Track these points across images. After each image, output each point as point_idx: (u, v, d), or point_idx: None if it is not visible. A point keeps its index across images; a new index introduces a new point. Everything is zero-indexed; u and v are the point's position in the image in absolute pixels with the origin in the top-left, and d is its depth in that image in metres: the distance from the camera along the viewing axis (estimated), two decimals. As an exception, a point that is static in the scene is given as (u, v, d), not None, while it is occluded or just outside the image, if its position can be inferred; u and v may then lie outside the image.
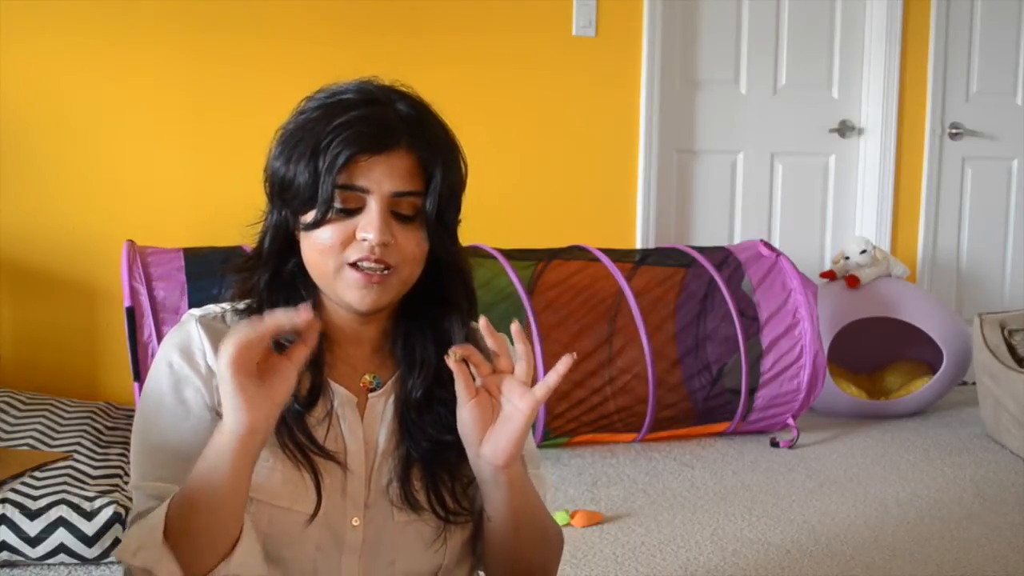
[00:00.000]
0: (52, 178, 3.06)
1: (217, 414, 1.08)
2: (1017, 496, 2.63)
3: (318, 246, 1.10)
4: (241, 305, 1.17)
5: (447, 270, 1.17)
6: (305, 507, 1.11)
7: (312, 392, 1.13)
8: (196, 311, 1.18)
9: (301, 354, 1.01)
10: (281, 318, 0.98)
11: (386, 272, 1.10)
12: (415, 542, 1.15)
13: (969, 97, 4.08)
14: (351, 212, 1.09)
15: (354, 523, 1.13)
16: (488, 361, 1.11)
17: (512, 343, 1.13)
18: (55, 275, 3.07)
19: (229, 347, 0.97)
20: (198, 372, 1.12)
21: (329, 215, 1.08)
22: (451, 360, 1.08)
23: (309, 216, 1.10)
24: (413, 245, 1.11)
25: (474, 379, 1.11)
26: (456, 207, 1.15)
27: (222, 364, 0.97)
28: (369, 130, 1.08)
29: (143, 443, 1.13)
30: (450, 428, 1.14)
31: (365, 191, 1.09)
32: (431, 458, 1.15)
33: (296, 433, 1.10)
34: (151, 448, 1.12)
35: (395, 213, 1.10)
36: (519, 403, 1.09)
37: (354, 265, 1.09)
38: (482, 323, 1.10)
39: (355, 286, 1.10)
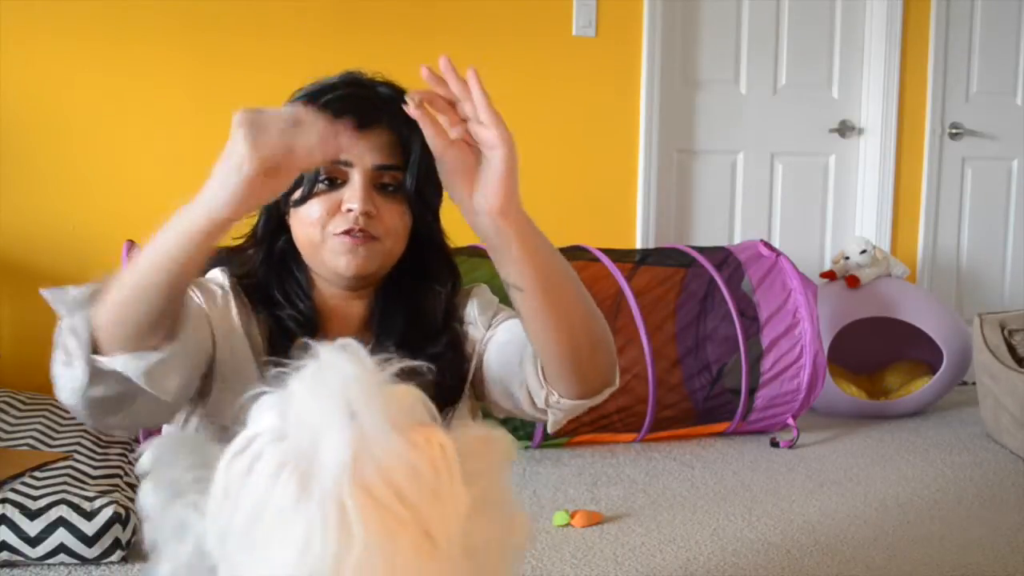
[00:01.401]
0: (52, 178, 3.06)
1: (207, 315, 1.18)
2: (1017, 496, 2.63)
3: (306, 220, 1.18)
4: (242, 274, 1.26)
5: (429, 247, 1.25)
6: None
7: None
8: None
9: (310, 161, 0.97)
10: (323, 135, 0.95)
11: (371, 240, 1.17)
12: None
13: (969, 97, 4.08)
14: (335, 185, 1.17)
15: None
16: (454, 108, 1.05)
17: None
18: (55, 275, 3.07)
19: (265, 132, 0.92)
20: (210, 294, 1.20)
21: (315, 189, 1.17)
22: (411, 107, 1.02)
23: (297, 193, 1.18)
24: (396, 217, 1.19)
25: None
26: (436, 185, 1.21)
27: (248, 144, 0.92)
28: (351, 107, 1.16)
29: None
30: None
31: (348, 164, 1.17)
32: None
33: None
34: None
35: (377, 186, 1.18)
36: (489, 141, 1.02)
37: (338, 235, 1.17)
38: (442, 63, 1.03)
39: (341, 251, 1.17)
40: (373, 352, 1.21)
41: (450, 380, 1.24)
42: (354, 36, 3.25)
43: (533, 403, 1.19)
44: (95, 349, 0.98)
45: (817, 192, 3.99)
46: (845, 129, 3.97)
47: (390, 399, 0.75)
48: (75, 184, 3.07)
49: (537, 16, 3.46)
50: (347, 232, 1.16)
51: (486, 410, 1.32)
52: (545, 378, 1.15)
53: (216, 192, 0.93)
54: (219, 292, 1.22)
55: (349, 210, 1.16)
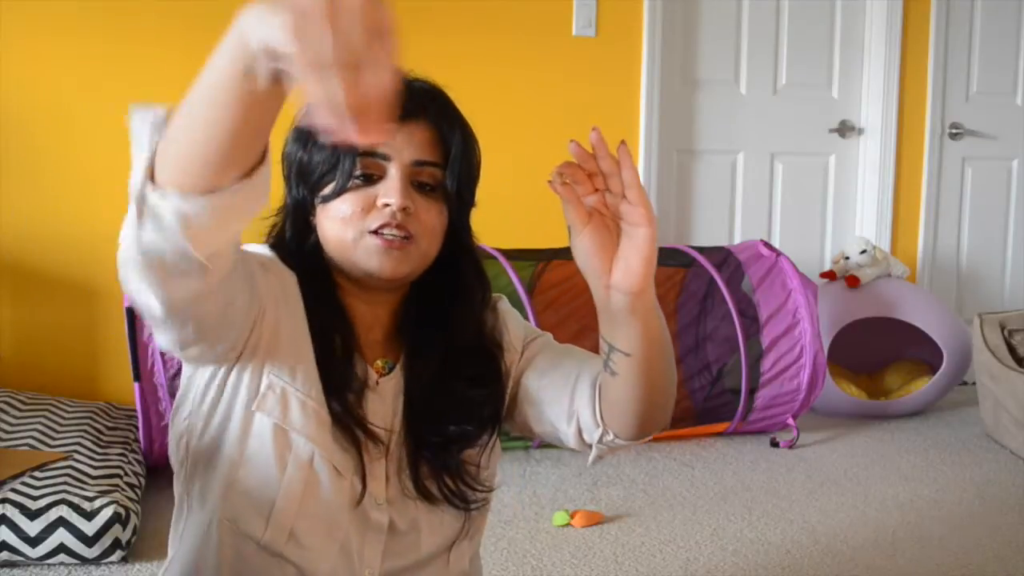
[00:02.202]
0: (53, 178, 3.06)
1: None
2: (1017, 496, 2.63)
3: (339, 216, 1.10)
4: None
5: (462, 252, 1.20)
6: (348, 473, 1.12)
7: (363, 373, 1.15)
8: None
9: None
10: None
11: (406, 240, 1.10)
12: (438, 525, 1.18)
13: (969, 97, 4.08)
14: (371, 180, 1.10)
15: (378, 501, 1.14)
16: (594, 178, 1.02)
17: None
18: (55, 275, 3.07)
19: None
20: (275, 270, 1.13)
21: (350, 184, 1.09)
22: (555, 184, 1.00)
23: (328, 188, 1.11)
24: (433, 216, 1.13)
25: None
26: (473, 186, 1.18)
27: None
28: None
29: None
30: (456, 418, 1.15)
31: (386, 158, 1.10)
32: (437, 449, 1.15)
33: (350, 411, 1.12)
34: None
35: (415, 183, 1.12)
36: (635, 219, 0.99)
37: (375, 233, 1.10)
38: (594, 137, 0.99)
39: (376, 252, 1.09)
40: (408, 367, 1.16)
41: (490, 408, 1.19)
42: (354, 36, 3.25)
43: (582, 438, 1.18)
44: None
45: (817, 192, 3.99)
46: (845, 129, 3.97)
47: None
48: (76, 184, 3.07)
49: (537, 16, 3.46)
50: (383, 227, 1.09)
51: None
52: (603, 418, 1.15)
53: (255, 22, 0.76)
54: (287, 274, 1.14)
55: (386, 205, 1.09)
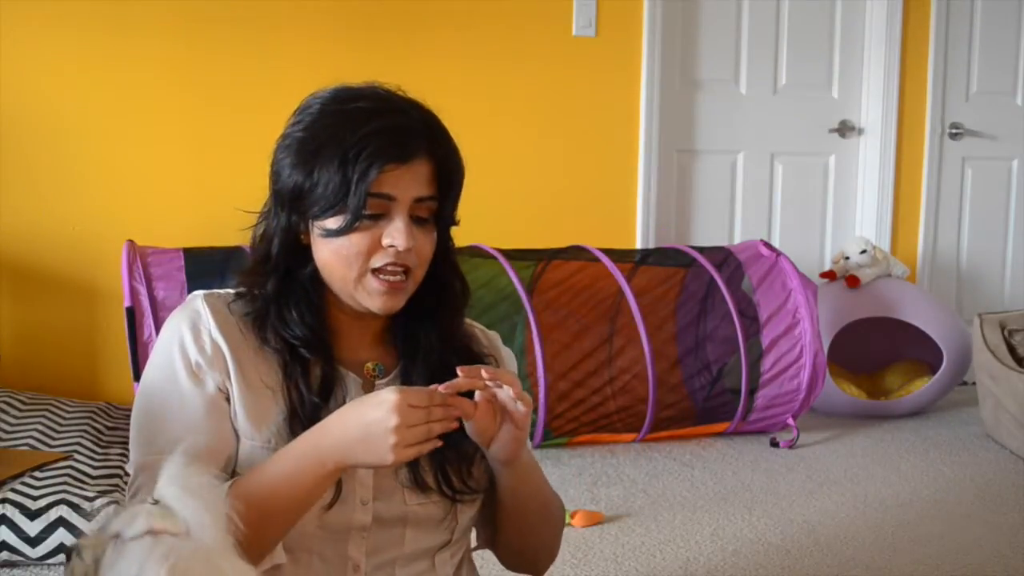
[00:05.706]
0: (52, 178, 3.06)
1: (220, 391, 1.14)
2: (1017, 496, 2.63)
3: (343, 252, 1.14)
4: (248, 309, 1.19)
5: (444, 262, 1.23)
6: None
7: (325, 383, 1.17)
8: (200, 291, 1.22)
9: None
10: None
11: (405, 276, 1.16)
12: (425, 521, 1.19)
13: (969, 97, 4.08)
14: (376, 218, 1.13)
15: (363, 503, 1.16)
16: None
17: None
18: (55, 275, 3.07)
19: (414, 433, 1.06)
20: (203, 351, 1.15)
21: (357, 223, 1.12)
22: (442, 391, 1.13)
23: (331, 222, 1.13)
24: (428, 246, 1.18)
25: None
26: (457, 207, 1.22)
27: (394, 450, 1.05)
28: (396, 139, 1.12)
29: (151, 422, 1.15)
30: None
31: (391, 198, 1.13)
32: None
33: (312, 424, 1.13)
34: (160, 428, 1.14)
35: (414, 217, 1.15)
36: (517, 420, 1.16)
37: (376, 272, 1.14)
38: (485, 373, 1.14)
39: (377, 293, 1.15)
40: (406, 370, 1.21)
41: None
42: (354, 34, 3.25)
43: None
44: None
45: (817, 192, 3.99)
46: (845, 129, 3.97)
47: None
48: (75, 184, 3.07)
49: (537, 16, 3.46)
50: (386, 268, 1.14)
51: None
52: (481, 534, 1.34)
53: (355, 456, 1.07)
54: (208, 342, 1.16)
55: (391, 246, 1.13)
